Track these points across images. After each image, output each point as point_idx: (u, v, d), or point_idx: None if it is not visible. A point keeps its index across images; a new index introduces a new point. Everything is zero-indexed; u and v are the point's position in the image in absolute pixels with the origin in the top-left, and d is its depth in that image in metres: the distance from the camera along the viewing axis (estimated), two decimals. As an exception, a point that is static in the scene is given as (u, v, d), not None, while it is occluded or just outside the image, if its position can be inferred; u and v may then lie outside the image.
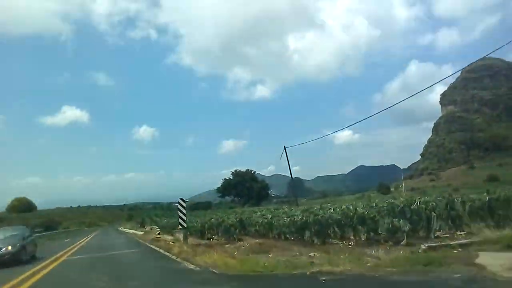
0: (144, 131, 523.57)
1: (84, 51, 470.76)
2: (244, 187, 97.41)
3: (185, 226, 18.97)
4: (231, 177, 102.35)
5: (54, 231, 61.39)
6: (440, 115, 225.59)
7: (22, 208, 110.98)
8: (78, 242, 30.52)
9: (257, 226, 18.80)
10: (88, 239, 35.38)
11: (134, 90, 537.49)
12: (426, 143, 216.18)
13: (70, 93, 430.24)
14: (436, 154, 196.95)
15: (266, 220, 17.98)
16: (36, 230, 65.91)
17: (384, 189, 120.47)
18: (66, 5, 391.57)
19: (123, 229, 51.70)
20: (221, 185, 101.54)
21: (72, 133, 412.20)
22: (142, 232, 33.78)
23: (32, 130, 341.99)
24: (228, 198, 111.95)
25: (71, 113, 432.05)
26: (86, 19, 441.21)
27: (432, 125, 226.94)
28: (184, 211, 18.61)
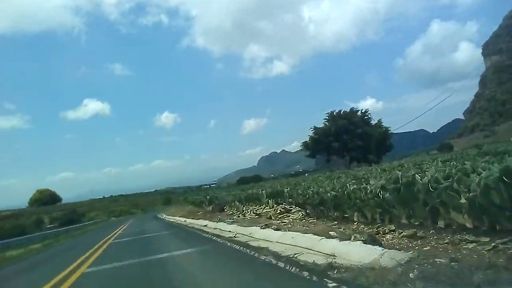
0: (166, 118, 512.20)
1: (98, 43, 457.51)
2: (353, 136, 56.52)
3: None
4: (326, 123, 60.01)
5: (72, 226, 45.57)
6: (481, 68, 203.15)
7: (44, 200, 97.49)
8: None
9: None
10: (103, 246, 18.83)
11: (151, 78, 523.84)
12: (472, 98, 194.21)
13: (89, 86, 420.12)
14: (487, 109, 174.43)
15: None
16: (47, 227, 50.53)
17: (446, 149, 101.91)
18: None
19: (167, 217, 34.69)
20: (309, 139, 59.98)
21: (96, 125, 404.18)
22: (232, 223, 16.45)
23: (58, 126, 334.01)
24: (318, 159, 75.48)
25: (93, 106, 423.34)
26: (97, 11, 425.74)
27: (457, 86, 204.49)
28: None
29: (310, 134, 59.93)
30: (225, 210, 19.84)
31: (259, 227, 9.36)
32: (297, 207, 12.23)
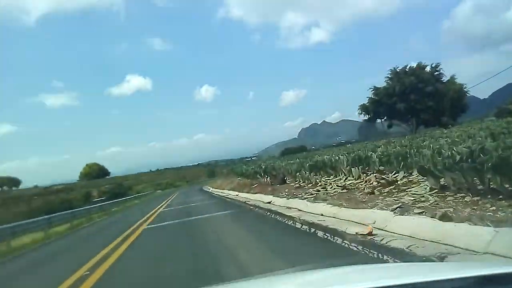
0: (206, 91, 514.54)
1: (137, 19, 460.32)
2: (422, 95, 46.25)
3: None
4: (389, 81, 49.74)
5: (120, 199, 44.47)
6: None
7: (94, 174, 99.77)
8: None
9: None
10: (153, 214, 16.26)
11: (190, 51, 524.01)
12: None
13: (130, 62, 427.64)
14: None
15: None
16: (94, 200, 49.98)
17: (506, 115, 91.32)
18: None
19: (214, 190, 32.08)
20: (368, 100, 50.41)
21: (139, 100, 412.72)
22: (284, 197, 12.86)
23: (104, 102, 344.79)
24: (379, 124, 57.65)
25: (135, 82, 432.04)
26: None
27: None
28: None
29: (370, 96, 50.74)
30: (287, 182, 16.31)
31: (392, 212, 5.48)
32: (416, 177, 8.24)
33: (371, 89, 50.74)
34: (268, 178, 19.16)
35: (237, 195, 19.46)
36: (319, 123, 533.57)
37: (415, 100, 46.64)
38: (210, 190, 32.75)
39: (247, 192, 17.97)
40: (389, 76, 50.08)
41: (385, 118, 51.75)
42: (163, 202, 28.95)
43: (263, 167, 21.16)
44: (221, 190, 28.15)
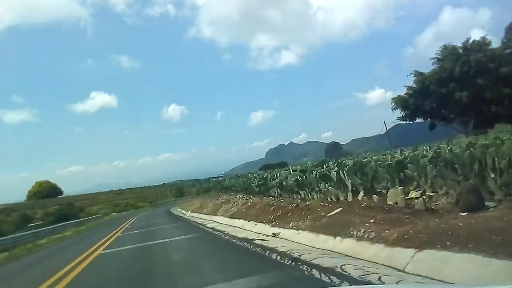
0: (173, 110, 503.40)
1: (104, 35, 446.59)
2: (490, 81, 32.16)
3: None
4: (436, 64, 35.77)
5: (60, 224, 35.26)
6: None
7: (44, 193, 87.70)
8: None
9: None
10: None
11: (158, 69, 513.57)
12: None
13: (96, 79, 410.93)
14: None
15: None
16: (29, 225, 40.03)
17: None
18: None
19: (192, 214, 23.58)
20: (407, 90, 36.81)
21: (103, 118, 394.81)
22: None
23: (66, 119, 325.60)
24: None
25: (100, 99, 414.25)
26: (103, 1, 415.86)
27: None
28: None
29: (408, 85, 36.79)
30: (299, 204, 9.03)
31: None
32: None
33: (412, 73, 36.83)
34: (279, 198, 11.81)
35: (252, 228, 11.77)
36: (286, 143, 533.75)
37: (483, 87, 32.16)
38: (186, 215, 24.09)
39: (272, 224, 9.88)
40: (438, 57, 35.91)
41: (431, 113, 36.92)
42: (115, 230, 20.79)
43: (275, 179, 13.71)
44: (205, 216, 19.48)
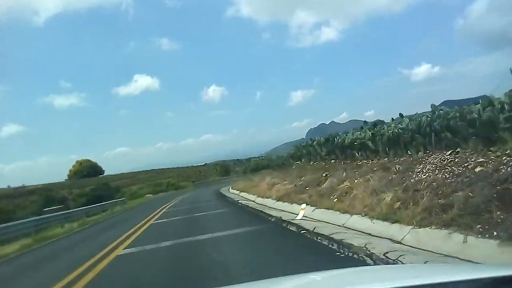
0: (213, 91, 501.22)
1: (145, 18, 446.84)
2: None
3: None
4: None
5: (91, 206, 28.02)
6: None
7: (84, 173, 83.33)
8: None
9: None
10: None
11: (198, 51, 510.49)
12: None
13: (138, 62, 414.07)
14: None
15: None
16: (45, 210, 32.12)
17: None
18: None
19: (260, 200, 14.52)
20: None
21: (146, 100, 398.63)
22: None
23: (111, 103, 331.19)
24: None
25: (143, 81, 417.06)
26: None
27: None
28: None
29: None
30: None
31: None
32: None
33: None
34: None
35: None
36: (327, 123, 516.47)
37: None
38: (252, 201, 15.14)
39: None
40: None
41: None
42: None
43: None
44: (288, 206, 10.86)
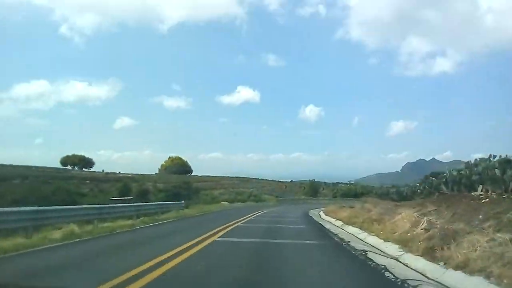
0: (310, 111, 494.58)
1: (256, 33, 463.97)
2: None
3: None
4: None
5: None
6: None
7: (174, 169, 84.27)
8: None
9: None
10: None
11: (302, 69, 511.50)
12: None
13: (244, 74, 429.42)
14: None
15: None
16: (111, 199, 28.48)
17: None
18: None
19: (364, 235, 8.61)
20: None
21: (245, 111, 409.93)
22: None
23: (214, 109, 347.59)
24: None
25: (244, 93, 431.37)
26: (258, 1, 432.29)
27: None
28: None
29: None
30: None
31: None
32: None
33: None
34: None
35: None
36: (427, 159, 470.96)
37: None
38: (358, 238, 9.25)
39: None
40: None
41: None
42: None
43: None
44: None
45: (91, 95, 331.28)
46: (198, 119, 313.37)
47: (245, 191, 62.73)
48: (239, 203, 44.06)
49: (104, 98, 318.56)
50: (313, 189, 60.26)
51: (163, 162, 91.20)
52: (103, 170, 74.46)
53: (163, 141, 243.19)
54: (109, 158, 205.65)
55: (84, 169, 77.36)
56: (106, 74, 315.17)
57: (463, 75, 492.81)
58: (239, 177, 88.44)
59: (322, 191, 63.86)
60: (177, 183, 47.93)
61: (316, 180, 73.53)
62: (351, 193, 57.37)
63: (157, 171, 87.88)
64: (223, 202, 41.08)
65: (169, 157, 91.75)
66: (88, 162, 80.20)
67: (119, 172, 72.53)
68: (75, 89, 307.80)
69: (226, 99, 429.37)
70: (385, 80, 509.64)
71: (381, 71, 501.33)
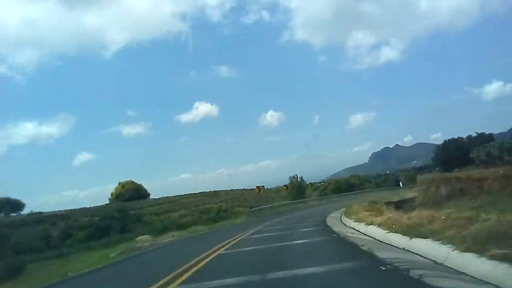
0: (271, 116, 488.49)
1: (204, 47, 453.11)
2: None
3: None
4: None
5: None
6: None
7: (127, 196, 70.31)
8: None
9: None
10: None
11: (255, 77, 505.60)
12: None
13: (198, 89, 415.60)
14: None
15: None
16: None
17: None
18: (182, 5, 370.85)
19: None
20: None
21: (206, 126, 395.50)
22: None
23: (173, 130, 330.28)
24: None
25: (202, 108, 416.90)
26: (201, 14, 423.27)
27: None
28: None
29: None
30: None
31: None
32: None
33: None
34: None
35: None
36: (391, 146, 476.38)
37: None
38: None
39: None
40: None
41: None
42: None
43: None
44: None
45: (43, 134, 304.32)
46: (160, 142, 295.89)
47: (212, 207, 50.04)
48: (200, 227, 29.92)
49: (58, 135, 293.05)
50: (299, 189, 48.15)
51: (113, 190, 76.68)
52: (31, 211, 59.42)
53: (127, 170, 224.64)
54: (76, 197, 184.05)
55: (12, 213, 61.88)
56: (56, 110, 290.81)
57: (408, 60, 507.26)
58: (204, 191, 75.55)
59: (310, 191, 52.51)
60: (106, 214, 33.84)
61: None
62: (342, 187, 47.05)
63: (108, 201, 73.44)
64: (172, 234, 25.15)
65: (119, 183, 77.39)
66: (16, 205, 64.55)
67: (40, 212, 57.53)
68: (26, 130, 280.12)
69: (185, 117, 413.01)
70: (336, 76, 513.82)
71: (332, 68, 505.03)
